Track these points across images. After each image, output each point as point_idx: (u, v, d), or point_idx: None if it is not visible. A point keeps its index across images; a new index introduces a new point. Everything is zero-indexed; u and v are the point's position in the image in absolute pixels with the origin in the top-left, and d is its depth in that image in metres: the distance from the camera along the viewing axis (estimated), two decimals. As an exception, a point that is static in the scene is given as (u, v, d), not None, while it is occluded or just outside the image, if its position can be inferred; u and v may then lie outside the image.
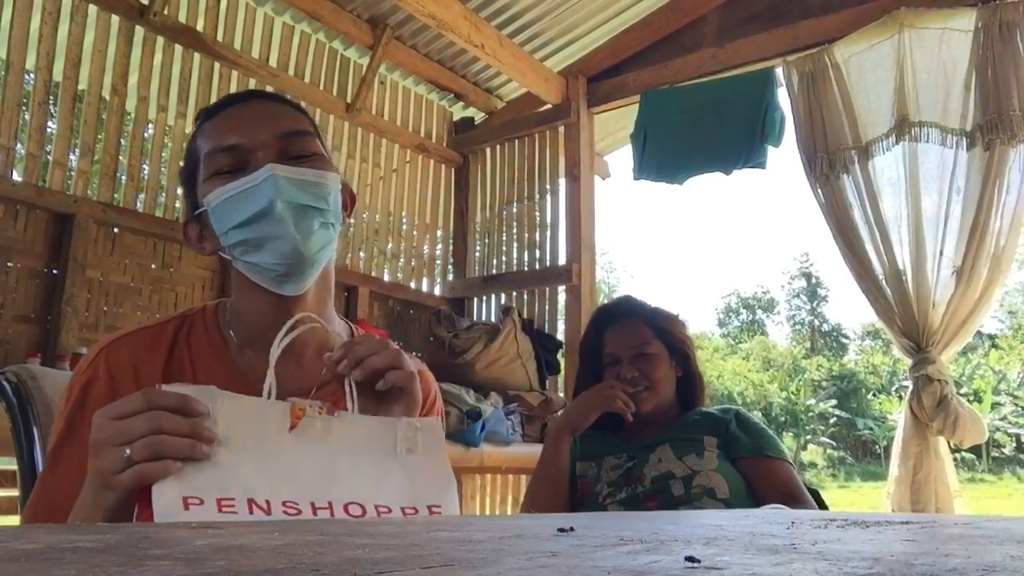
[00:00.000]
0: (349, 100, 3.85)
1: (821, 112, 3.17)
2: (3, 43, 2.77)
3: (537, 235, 4.10)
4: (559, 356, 3.95)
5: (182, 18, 3.22)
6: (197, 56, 3.27)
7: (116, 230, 3.00)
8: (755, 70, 3.45)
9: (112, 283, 2.96)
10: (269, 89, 3.54)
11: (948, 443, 2.89)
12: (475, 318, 4.21)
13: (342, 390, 0.78)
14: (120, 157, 3.10)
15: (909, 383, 2.95)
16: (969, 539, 0.45)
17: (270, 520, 0.64)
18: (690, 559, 0.32)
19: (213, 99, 3.32)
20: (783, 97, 3.35)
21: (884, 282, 3.00)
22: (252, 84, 3.48)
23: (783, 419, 24.10)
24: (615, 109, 4.08)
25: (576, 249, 3.89)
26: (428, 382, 0.99)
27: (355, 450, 0.72)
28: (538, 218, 4.12)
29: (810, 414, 24.24)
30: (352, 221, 0.92)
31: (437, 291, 4.38)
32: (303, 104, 3.63)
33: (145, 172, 3.15)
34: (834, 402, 24.06)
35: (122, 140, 3.19)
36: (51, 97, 2.88)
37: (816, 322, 34.10)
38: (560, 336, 3.98)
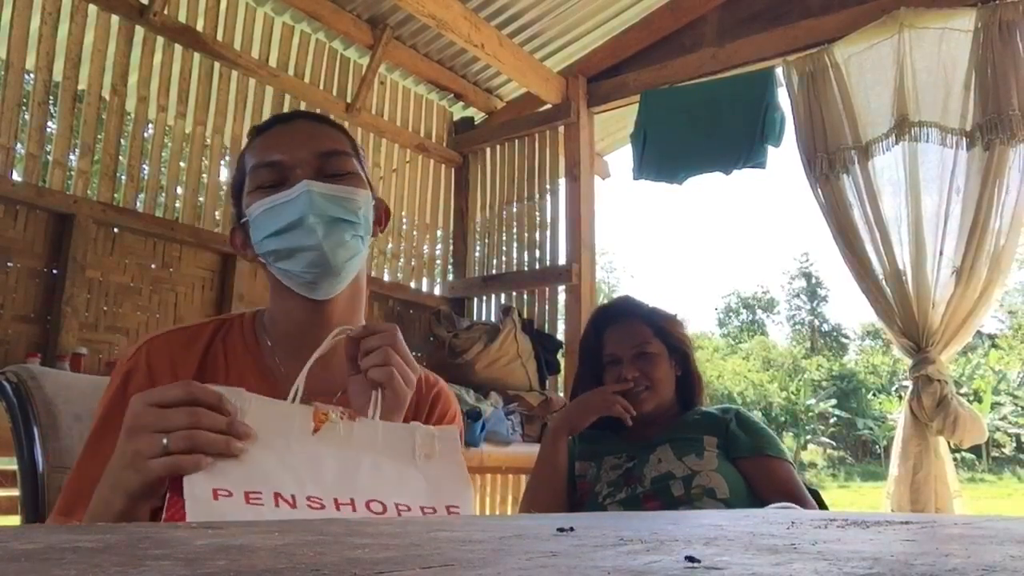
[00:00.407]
0: (349, 100, 3.85)
1: (821, 112, 3.17)
2: (3, 43, 2.77)
3: (537, 235, 4.10)
4: (559, 356, 3.95)
5: (182, 18, 3.21)
6: (197, 56, 3.27)
7: (116, 230, 3.00)
8: (755, 70, 3.45)
9: (112, 283, 2.96)
10: (269, 89, 3.55)
11: (948, 443, 2.89)
12: (475, 318, 4.21)
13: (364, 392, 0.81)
14: (120, 157, 3.10)
15: (909, 383, 2.95)
16: (969, 539, 0.45)
17: (272, 520, 0.64)
18: (690, 559, 0.32)
19: (213, 99, 3.33)
20: (783, 97, 3.35)
21: (884, 282, 3.00)
22: (252, 84, 3.48)
23: (783, 419, 24.11)
24: (615, 109, 4.09)
25: (576, 249, 3.89)
26: (447, 400, 1.04)
27: (375, 454, 0.75)
28: (538, 218, 4.12)
29: (810, 414, 24.24)
30: (378, 236, 0.99)
31: (437, 291, 4.38)
32: (302, 104, 3.64)
33: (145, 172, 3.15)
34: (834, 402, 24.07)
35: (122, 140, 3.19)
36: (51, 97, 2.88)
37: (816, 322, 34.11)
38: (560, 336, 3.98)
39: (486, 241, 4.33)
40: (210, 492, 0.64)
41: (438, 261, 4.53)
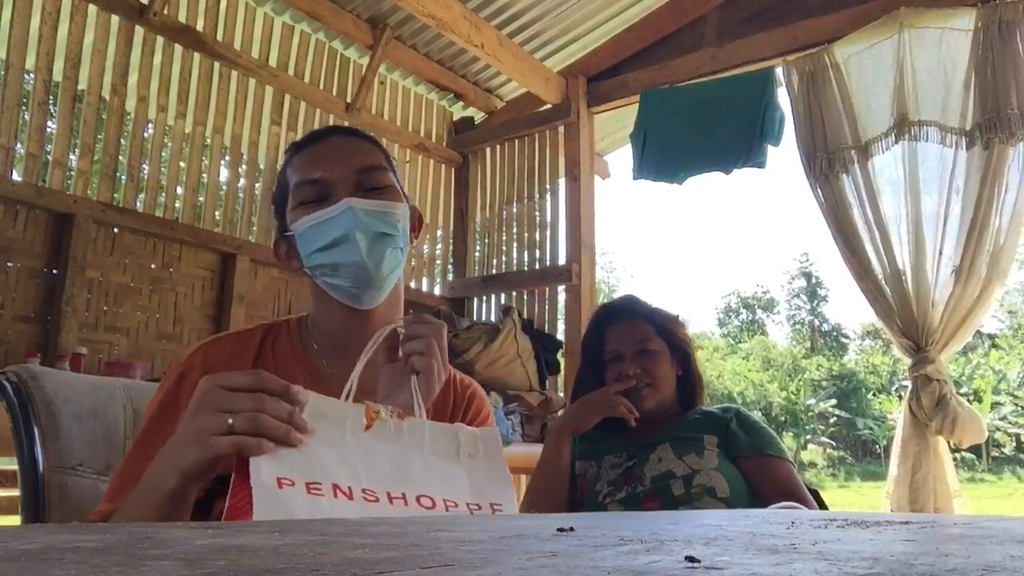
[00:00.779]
0: (349, 100, 3.85)
1: (821, 112, 3.17)
2: (3, 43, 2.77)
3: (537, 235, 4.10)
4: (559, 356, 3.95)
5: (182, 18, 3.22)
6: (197, 56, 3.27)
7: (116, 230, 3.00)
8: (755, 70, 3.45)
9: (112, 283, 2.96)
10: (269, 89, 3.55)
11: (947, 443, 2.89)
12: (475, 318, 4.21)
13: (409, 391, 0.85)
14: (120, 157, 3.10)
15: (908, 383, 2.95)
16: (969, 539, 0.45)
17: (273, 523, 0.64)
18: (690, 559, 0.33)
19: (213, 99, 3.33)
20: (783, 97, 3.35)
21: (883, 281, 3.00)
22: (252, 84, 3.48)
23: (783, 419, 24.10)
24: (615, 109, 4.09)
25: (576, 249, 3.89)
26: (482, 400, 1.10)
27: (423, 451, 0.78)
28: (538, 218, 4.12)
29: (810, 414, 24.24)
30: (414, 243, 1.09)
31: (437, 291, 4.38)
32: (302, 103, 3.64)
33: (145, 172, 3.15)
34: (834, 402, 24.06)
35: (122, 140, 3.19)
36: (51, 97, 2.88)
37: (816, 322, 34.10)
38: (560, 336, 3.98)
39: (486, 241, 4.33)
40: (275, 480, 0.67)
41: (438, 261, 4.53)
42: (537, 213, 4.13)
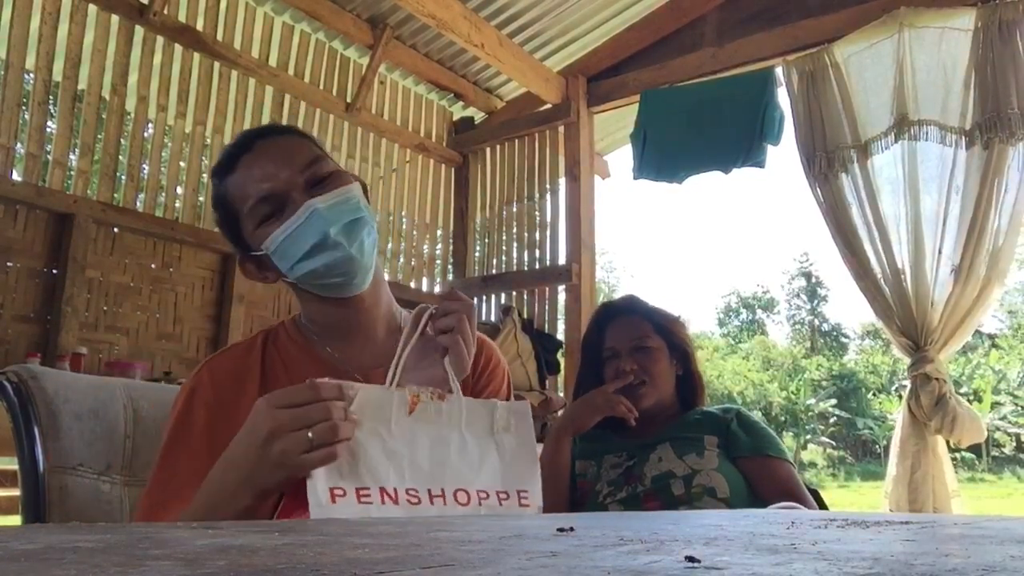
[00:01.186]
0: (349, 100, 3.85)
1: (820, 111, 3.17)
2: (3, 43, 2.77)
3: (537, 235, 4.10)
4: (559, 356, 3.95)
5: (182, 18, 3.21)
6: (197, 56, 3.27)
7: (116, 230, 3.00)
8: (755, 69, 3.45)
9: (112, 283, 2.96)
10: (269, 89, 3.55)
11: (947, 442, 2.89)
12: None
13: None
14: (120, 157, 3.10)
15: (908, 382, 2.95)
16: (969, 539, 0.45)
17: (273, 523, 0.65)
18: (690, 559, 0.33)
19: (213, 99, 3.33)
20: (782, 96, 3.35)
21: (883, 281, 3.00)
22: (252, 84, 3.48)
23: (783, 419, 24.10)
24: (615, 109, 4.09)
25: (576, 249, 3.89)
26: (490, 348, 1.11)
27: (461, 430, 0.84)
28: (538, 218, 4.12)
29: (810, 414, 24.23)
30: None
31: (437, 291, 4.38)
32: (302, 103, 3.64)
33: (145, 172, 3.15)
34: (834, 402, 24.05)
35: (122, 140, 3.19)
36: (51, 97, 2.88)
37: (816, 322, 34.10)
38: (560, 336, 3.98)
39: (486, 241, 4.33)
40: (329, 494, 0.72)
41: (438, 261, 4.53)
42: (537, 213, 4.13)
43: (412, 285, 4.20)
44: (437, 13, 3.12)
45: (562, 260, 3.96)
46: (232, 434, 0.88)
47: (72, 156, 3.07)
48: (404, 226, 4.22)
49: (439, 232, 4.49)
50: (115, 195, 3.03)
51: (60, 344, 2.71)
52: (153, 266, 3.10)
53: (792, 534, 0.46)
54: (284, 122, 3.59)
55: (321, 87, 3.75)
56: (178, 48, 3.23)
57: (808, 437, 23.86)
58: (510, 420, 0.87)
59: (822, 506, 1.49)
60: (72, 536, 0.35)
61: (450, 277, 4.42)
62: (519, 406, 0.89)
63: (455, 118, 4.54)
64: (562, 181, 4.06)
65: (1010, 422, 20.45)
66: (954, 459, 2.96)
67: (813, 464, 22.69)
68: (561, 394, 3.86)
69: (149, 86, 3.14)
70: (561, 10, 3.81)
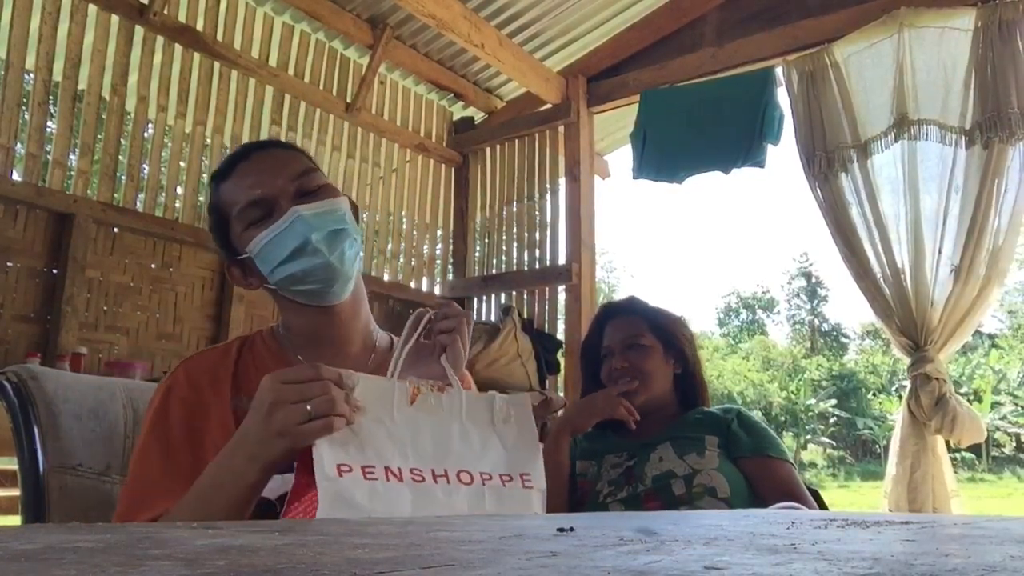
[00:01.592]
0: (349, 100, 3.85)
1: (820, 111, 3.17)
2: (3, 43, 2.77)
3: (537, 235, 4.10)
4: (559, 356, 3.95)
5: (182, 18, 3.21)
6: (197, 56, 3.27)
7: (116, 230, 3.00)
8: (755, 69, 3.45)
9: (112, 283, 2.96)
10: (269, 89, 3.55)
11: (947, 442, 2.89)
12: (475, 318, 4.21)
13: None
14: (120, 157, 3.10)
15: (908, 382, 2.95)
16: (969, 539, 0.45)
17: (273, 523, 0.65)
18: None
19: (213, 99, 3.34)
20: (782, 96, 3.35)
21: (883, 281, 3.00)
22: (252, 84, 3.48)
23: (783, 419, 24.10)
24: (615, 109, 4.09)
25: (576, 249, 3.89)
26: (464, 372, 1.12)
27: (462, 420, 0.86)
28: (538, 218, 4.12)
29: (810, 414, 24.24)
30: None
31: (437, 291, 4.38)
32: (302, 103, 3.64)
33: (145, 172, 3.15)
34: (834, 402, 24.06)
35: (122, 140, 3.19)
36: (51, 97, 2.88)
37: (816, 322, 34.10)
38: (560, 336, 3.98)
39: (486, 241, 4.33)
40: (336, 469, 0.75)
41: (438, 261, 4.53)
42: (537, 213, 4.13)
43: (412, 285, 4.20)
44: (437, 13, 3.12)
45: (562, 260, 3.96)
46: (207, 432, 0.92)
47: (72, 156, 3.07)
48: (404, 226, 4.22)
49: (439, 232, 4.49)
50: (115, 195, 3.03)
51: (60, 344, 2.71)
52: (153, 266, 3.10)
53: (792, 534, 0.46)
54: (284, 122, 3.59)
55: (321, 87, 3.75)
56: (178, 48, 3.23)
57: (808, 437, 23.86)
58: (509, 411, 0.89)
59: (822, 506, 1.49)
60: (72, 536, 0.35)
61: (450, 277, 4.42)
62: (517, 398, 0.91)
63: (455, 118, 4.54)
64: (562, 181, 4.06)
65: (1010, 422, 20.45)
66: (954, 459, 2.96)
67: (813, 464, 22.68)
68: (561, 394, 3.86)
69: (149, 86, 3.14)
70: (561, 10, 3.81)
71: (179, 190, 3.35)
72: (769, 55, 3.42)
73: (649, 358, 1.56)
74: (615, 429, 1.58)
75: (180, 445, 0.92)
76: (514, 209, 4.23)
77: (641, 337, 1.58)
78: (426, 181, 4.36)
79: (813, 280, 34.95)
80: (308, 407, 0.75)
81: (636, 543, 0.39)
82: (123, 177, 3.13)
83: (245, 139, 3.46)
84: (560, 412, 3.71)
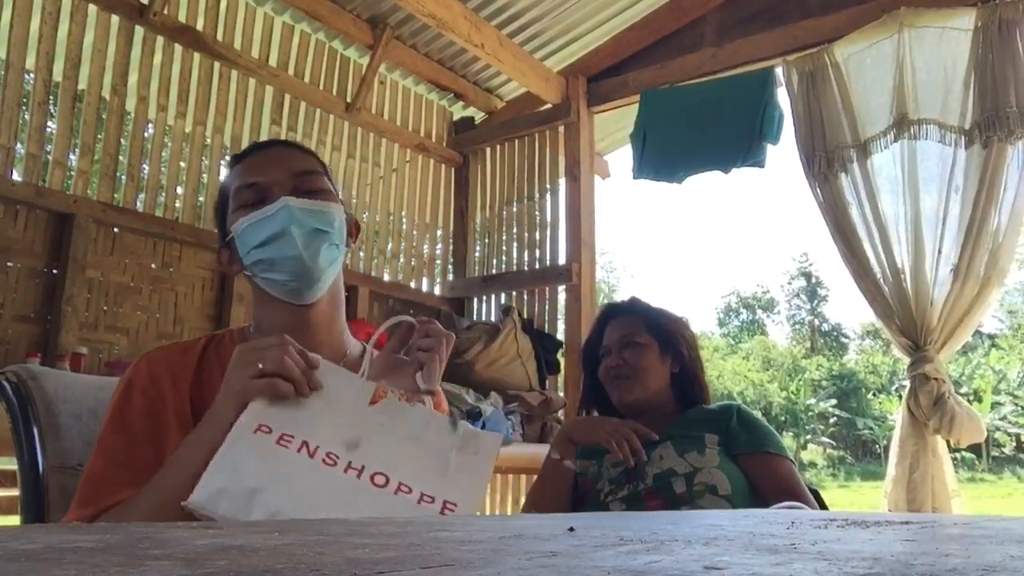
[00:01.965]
0: (349, 100, 3.85)
1: (820, 111, 3.17)
2: (3, 43, 2.77)
3: (537, 235, 4.10)
4: (559, 356, 3.95)
5: (182, 18, 3.21)
6: (197, 56, 3.27)
7: (116, 230, 2.99)
8: (754, 69, 3.45)
9: (112, 283, 2.96)
10: (269, 89, 3.55)
11: (946, 442, 2.89)
12: (475, 318, 4.21)
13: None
14: (120, 157, 3.10)
15: (907, 382, 2.95)
16: (969, 539, 0.45)
17: (273, 523, 0.65)
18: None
19: (213, 99, 3.34)
20: (782, 96, 3.35)
21: (882, 281, 3.00)
22: (252, 84, 3.48)
23: (783, 419, 24.10)
24: (615, 109, 4.08)
25: (576, 249, 3.89)
26: (439, 395, 1.12)
27: (417, 437, 0.84)
28: (538, 218, 4.12)
29: (810, 414, 24.25)
30: (351, 248, 1.20)
31: (437, 291, 4.38)
32: (302, 103, 3.64)
33: (145, 172, 3.15)
34: (834, 402, 24.07)
35: (122, 140, 3.19)
36: (51, 97, 2.87)
37: (816, 322, 34.10)
38: (560, 336, 3.98)
39: (486, 241, 4.33)
40: (256, 424, 0.78)
41: (438, 261, 4.53)
42: (537, 213, 4.13)
43: (412, 285, 4.20)
44: (437, 13, 3.12)
45: (562, 260, 3.96)
46: (167, 424, 0.93)
47: (72, 156, 3.07)
48: (404, 226, 4.22)
49: (439, 232, 4.48)
50: (115, 195, 3.03)
51: (60, 344, 2.71)
52: (153, 266, 3.10)
53: (792, 534, 0.46)
54: (284, 122, 3.59)
55: (321, 87, 3.75)
56: (178, 48, 3.23)
57: (808, 437, 23.86)
58: (475, 446, 0.85)
59: (822, 506, 1.49)
60: (72, 536, 0.35)
61: (450, 277, 4.42)
62: (490, 437, 0.88)
63: (455, 118, 4.54)
64: (562, 181, 4.06)
65: (1010, 422, 20.45)
66: (954, 459, 2.96)
67: (813, 464, 22.68)
68: (561, 394, 3.85)
69: (149, 86, 3.14)
70: (561, 10, 3.81)
71: (179, 190, 3.34)
72: (769, 55, 3.42)
73: (643, 356, 1.57)
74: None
75: (141, 436, 0.92)
76: (514, 209, 4.23)
77: (637, 336, 1.59)
78: (426, 181, 4.36)
79: (813, 280, 34.96)
80: (259, 364, 0.81)
81: (636, 543, 0.39)
82: (123, 177, 3.13)
83: (245, 139, 3.46)
84: (560, 412, 3.71)
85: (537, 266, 4.05)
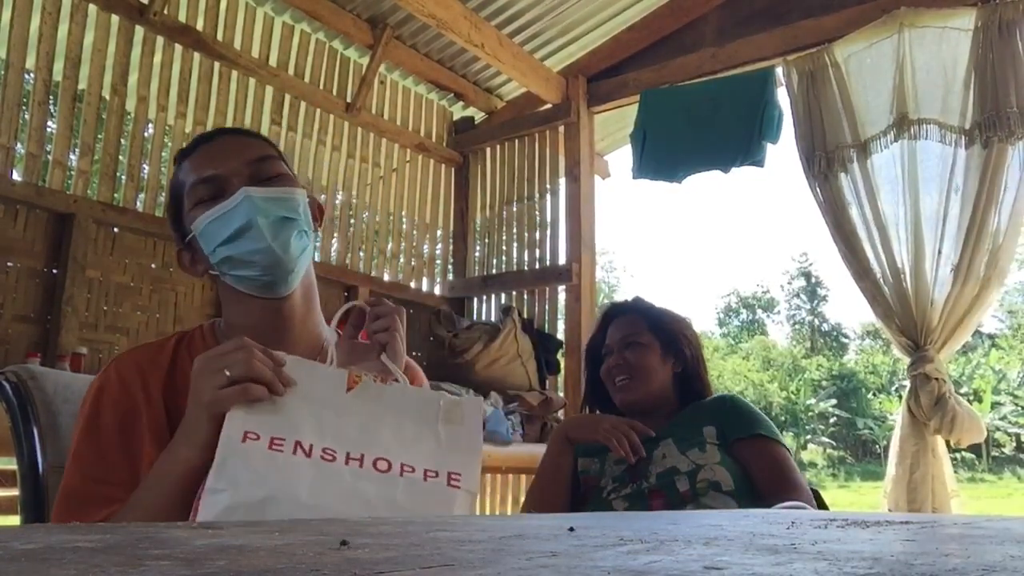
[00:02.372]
0: (349, 100, 3.85)
1: (820, 111, 3.17)
2: (3, 43, 2.77)
3: (537, 235, 4.10)
4: (559, 356, 3.95)
5: (182, 18, 3.21)
6: (197, 56, 3.27)
7: (116, 230, 2.99)
8: (754, 69, 3.45)
9: (112, 283, 2.96)
10: (269, 89, 3.55)
11: (947, 442, 2.89)
12: (475, 318, 4.21)
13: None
14: (120, 157, 3.10)
15: (907, 382, 2.95)
16: (969, 539, 0.45)
17: (273, 523, 0.65)
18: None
19: (213, 99, 3.33)
20: (782, 96, 3.35)
21: (883, 281, 3.00)
22: (252, 84, 3.48)
23: (783, 419, 24.10)
24: (615, 109, 4.08)
25: (576, 249, 3.89)
26: (414, 369, 1.10)
27: (400, 413, 0.83)
28: (538, 218, 4.12)
29: (810, 414, 24.25)
30: (320, 233, 1.17)
31: (437, 291, 4.38)
32: (302, 103, 3.64)
33: (145, 172, 3.15)
34: (834, 402, 24.07)
35: (122, 140, 3.19)
36: (51, 97, 2.87)
37: (816, 322, 34.11)
38: (560, 336, 3.98)
39: (486, 241, 4.33)
40: (241, 434, 0.74)
41: (438, 261, 4.53)
42: (537, 213, 4.13)
43: (412, 285, 4.20)
44: (437, 13, 3.12)
45: (562, 260, 3.95)
46: (140, 436, 0.90)
47: (72, 156, 3.07)
48: (404, 226, 4.22)
49: (439, 232, 4.48)
50: (115, 195, 3.03)
51: (60, 344, 2.71)
52: (153, 266, 3.10)
53: (792, 534, 0.46)
54: (284, 122, 3.59)
55: (321, 87, 3.75)
56: (178, 48, 3.23)
57: (808, 437, 23.86)
58: (459, 413, 0.85)
59: (822, 506, 1.49)
60: (72, 536, 0.35)
61: (450, 277, 4.42)
62: (471, 401, 0.88)
63: (455, 118, 4.54)
64: (562, 181, 4.06)
65: (1010, 422, 20.45)
66: (954, 459, 2.96)
67: (813, 464, 22.69)
68: (561, 394, 3.85)
69: (149, 86, 3.14)
70: (561, 10, 3.81)
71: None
72: (769, 55, 3.41)
73: (645, 356, 1.58)
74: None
75: (114, 451, 0.89)
76: (514, 209, 4.23)
77: (639, 335, 1.59)
78: (426, 181, 4.36)
79: (813, 280, 34.96)
80: (226, 372, 0.76)
81: (636, 543, 0.39)
82: (123, 177, 3.13)
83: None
84: (560, 412, 3.71)
85: (537, 266, 4.05)
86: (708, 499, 1.36)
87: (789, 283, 35.83)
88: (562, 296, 4.01)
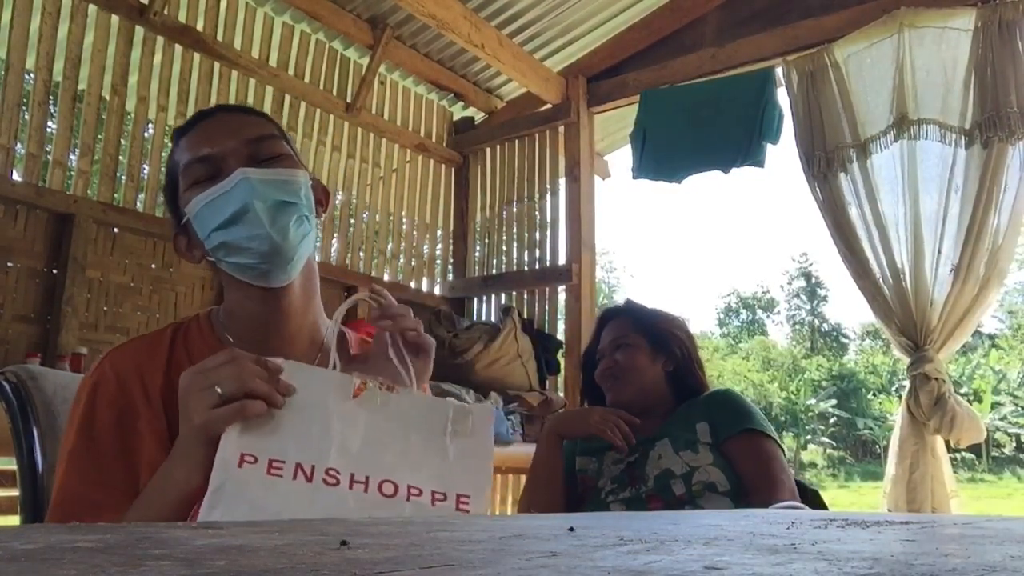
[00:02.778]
0: (349, 100, 3.85)
1: (820, 111, 3.17)
2: (3, 43, 2.77)
3: (537, 235, 4.10)
4: (559, 356, 3.95)
5: (182, 18, 3.21)
6: (197, 56, 3.27)
7: (116, 230, 2.99)
8: (754, 69, 3.45)
9: (112, 283, 2.96)
10: (269, 89, 3.55)
11: (946, 442, 2.89)
12: (475, 318, 4.20)
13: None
14: (120, 157, 3.10)
15: (907, 382, 2.95)
16: (969, 539, 0.45)
17: (273, 523, 0.65)
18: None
19: (213, 99, 3.33)
20: (782, 96, 3.35)
21: (882, 281, 3.00)
22: (252, 84, 3.48)
23: (783, 419, 24.11)
24: (615, 109, 4.08)
25: (576, 249, 3.89)
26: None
27: (407, 425, 0.78)
28: (538, 218, 4.12)
29: (810, 414, 24.25)
30: (322, 218, 1.08)
31: (437, 291, 4.38)
32: (302, 103, 3.64)
33: (145, 172, 3.15)
34: (834, 402, 24.08)
35: (122, 140, 3.19)
36: (51, 97, 2.87)
37: (816, 322, 34.12)
38: (560, 336, 3.98)
39: (486, 241, 4.33)
40: (237, 457, 0.69)
41: (438, 261, 4.52)
42: (537, 213, 4.13)
43: (412, 285, 4.20)
44: (437, 13, 3.12)
45: (562, 260, 3.95)
46: (139, 438, 0.85)
47: (72, 156, 3.07)
48: (404, 226, 4.22)
49: (439, 232, 4.48)
50: (115, 195, 3.03)
51: (60, 344, 2.71)
52: (153, 266, 3.10)
53: (792, 534, 0.46)
54: (284, 122, 3.58)
55: (321, 87, 3.75)
56: (178, 48, 3.23)
57: (808, 437, 23.87)
58: (468, 423, 0.80)
59: (822, 506, 1.49)
60: (72, 536, 0.35)
61: (450, 277, 4.42)
62: (481, 408, 0.83)
63: (455, 118, 4.54)
64: (562, 181, 4.06)
65: (1010, 422, 20.46)
66: (954, 459, 2.96)
67: (813, 464, 22.69)
68: (561, 394, 3.85)
69: (149, 86, 3.14)
70: (561, 10, 3.81)
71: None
72: (769, 55, 3.41)
73: (632, 357, 1.59)
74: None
75: (111, 453, 0.85)
76: (514, 209, 4.23)
77: (626, 337, 1.61)
78: (426, 181, 4.36)
79: (813, 280, 34.98)
80: (218, 389, 0.71)
81: (636, 543, 0.39)
82: (123, 177, 3.13)
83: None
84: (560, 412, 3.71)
85: (537, 266, 4.05)
86: (704, 501, 1.36)
87: (789, 283, 35.86)
88: (562, 296, 4.01)
